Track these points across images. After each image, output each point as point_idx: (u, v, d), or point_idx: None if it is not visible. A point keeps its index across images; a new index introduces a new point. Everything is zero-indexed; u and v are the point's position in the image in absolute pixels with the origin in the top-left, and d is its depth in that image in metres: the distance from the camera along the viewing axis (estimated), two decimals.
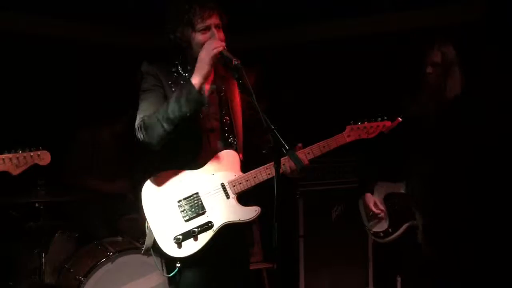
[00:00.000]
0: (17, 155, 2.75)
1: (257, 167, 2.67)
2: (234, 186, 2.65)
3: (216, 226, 2.59)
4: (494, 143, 3.62)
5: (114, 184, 4.69)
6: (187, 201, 2.61)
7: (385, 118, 2.85)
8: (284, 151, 2.33)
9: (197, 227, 2.57)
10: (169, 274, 2.62)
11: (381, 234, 3.67)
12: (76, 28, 5.10)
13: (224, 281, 2.70)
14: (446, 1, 4.64)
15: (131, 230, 4.16)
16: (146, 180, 2.63)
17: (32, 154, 2.77)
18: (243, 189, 2.65)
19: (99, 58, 5.08)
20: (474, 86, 3.90)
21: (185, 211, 2.60)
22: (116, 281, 3.78)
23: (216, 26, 2.61)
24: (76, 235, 4.28)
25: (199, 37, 2.59)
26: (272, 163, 2.56)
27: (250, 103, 2.61)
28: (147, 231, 2.61)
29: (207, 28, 2.58)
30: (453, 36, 3.68)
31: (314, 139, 2.76)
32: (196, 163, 2.65)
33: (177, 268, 2.57)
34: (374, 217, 3.68)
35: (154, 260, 2.65)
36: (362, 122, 2.82)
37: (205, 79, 2.50)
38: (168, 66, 2.68)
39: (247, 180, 2.65)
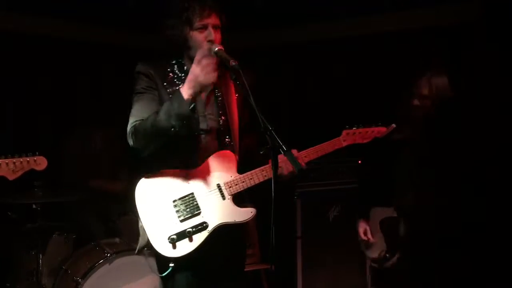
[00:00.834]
0: (14, 160, 2.77)
1: (253, 168, 2.67)
2: (230, 187, 2.64)
3: (211, 227, 2.59)
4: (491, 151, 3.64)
5: (116, 184, 4.69)
6: (183, 201, 2.60)
7: (380, 124, 2.91)
8: (282, 152, 2.33)
9: (192, 228, 2.56)
10: (162, 274, 2.60)
11: (379, 260, 3.64)
12: (74, 30, 5.10)
13: (219, 282, 2.69)
14: (445, 1, 4.64)
15: (129, 231, 4.15)
16: (141, 179, 2.62)
17: (28, 159, 2.79)
18: (239, 190, 2.65)
19: (94, 60, 5.08)
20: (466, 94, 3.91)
21: (180, 211, 2.59)
22: (113, 282, 3.78)
23: (214, 27, 2.60)
24: (74, 236, 4.28)
25: (196, 35, 2.59)
26: (269, 165, 2.60)
27: (247, 103, 2.61)
28: (140, 231, 2.60)
29: (204, 27, 2.58)
30: (448, 67, 3.59)
31: (311, 143, 2.78)
32: (192, 163, 2.64)
33: (170, 268, 2.55)
34: (368, 244, 3.68)
35: (147, 259, 2.67)
36: (358, 127, 2.86)
37: (196, 94, 2.47)
38: (164, 66, 2.67)
39: (243, 182, 2.65)
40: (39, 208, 3.97)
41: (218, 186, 2.65)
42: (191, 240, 2.56)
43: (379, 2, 4.79)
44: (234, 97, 2.74)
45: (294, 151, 2.64)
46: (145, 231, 2.57)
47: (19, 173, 2.80)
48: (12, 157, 2.79)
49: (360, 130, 2.86)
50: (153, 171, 2.62)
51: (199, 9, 2.56)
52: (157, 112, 2.50)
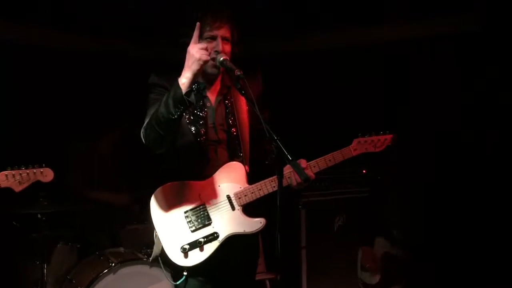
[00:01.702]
0: (20, 171, 2.75)
1: (263, 178, 2.68)
2: (239, 198, 2.65)
3: (221, 237, 2.61)
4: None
5: (117, 196, 4.69)
6: (194, 212, 2.63)
7: (393, 131, 2.84)
8: (287, 161, 2.34)
9: (203, 238, 2.59)
10: (176, 282, 2.64)
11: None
12: (76, 38, 5.12)
13: None
14: (446, 11, 4.67)
15: (133, 241, 4.15)
16: (155, 190, 2.65)
17: (35, 171, 2.76)
18: (248, 201, 2.66)
19: (100, 70, 5.10)
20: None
21: (191, 222, 2.62)
22: None
23: (224, 39, 2.60)
24: (78, 246, 4.28)
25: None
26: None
27: (256, 113, 2.61)
28: (155, 240, 2.64)
29: (213, 38, 2.59)
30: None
31: (321, 152, 2.75)
32: (203, 174, 2.66)
33: (183, 277, 2.59)
34: (368, 269, 3.68)
35: (162, 268, 2.67)
36: (370, 135, 2.81)
37: (193, 78, 2.45)
38: (175, 77, 2.68)
39: (252, 192, 2.66)
40: (44, 218, 3.96)
41: (228, 197, 2.66)
42: (202, 250, 2.58)
43: (385, 12, 4.81)
44: (244, 107, 2.75)
45: (303, 161, 2.64)
46: (159, 240, 2.60)
47: (25, 185, 2.77)
48: (19, 168, 2.77)
49: (372, 138, 2.79)
50: (165, 183, 2.65)
51: (211, 20, 2.57)
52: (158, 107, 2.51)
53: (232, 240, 2.62)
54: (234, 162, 2.69)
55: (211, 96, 2.73)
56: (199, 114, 2.67)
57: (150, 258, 2.73)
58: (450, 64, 4.72)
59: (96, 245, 4.23)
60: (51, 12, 4.66)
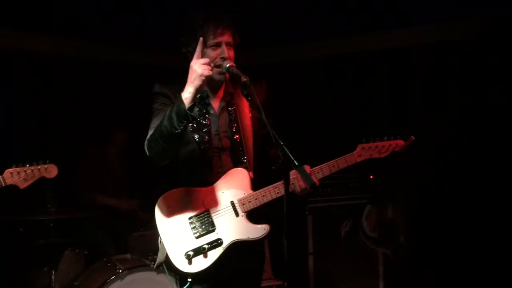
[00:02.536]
0: (25, 168, 2.78)
1: (268, 184, 2.68)
2: (243, 204, 2.65)
3: (225, 244, 2.61)
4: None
5: (122, 202, 4.71)
6: (198, 218, 2.63)
7: (398, 137, 2.80)
8: (293, 167, 2.33)
9: (207, 244, 2.59)
10: None
11: (365, 236, 4.07)
12: (87, 47, 5.17)
13: None
14: (448, 17, 4.66)
15: (140, 247, 4.16)
16: (159, 197, 2.66)
17: (39, 167, 2.79)
18: (252, 207, 2.66)
19: (108, 76, 5.14)
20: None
21: (195, 228, 2.62)
22: None
23: (228, 44, 2.62)
24: (86, 252, 4.29)
25: (209, 53, 2.60)
26: (281, 182, 2.60)
27: (260, 119, 2.62)
28: (160, 246, 2.65)
29: (218, 45, 2.60)
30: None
31: (324, 158, 2.74)
32: (207, 181, 2.67)
33: (188, 283, 2.59)
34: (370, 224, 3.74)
35: (167, 274, 2.67)
36: (374, 141, 2.78)
37: (196, 93, 2.46)
38: (178, 86, 2.69)
39: (256, 199, 2.66)
40: (51, 224, 3.99)
41: (232, 203, 2.66)
42: (206, 256, 2.58)
43: (390, 19, 4.81)
44: (248, 113, 2.75)
45: (307, 167, 2.63)
46: (164, 247, 2.61)
47: (30, 182, 2.81)
48: (23, 165, 2.79)
49: (377, 144, 2.76)
50: (170, 190, 2.66)
51: (213, 27, 2.58)
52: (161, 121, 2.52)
53: (237, 247, 2.62)
54: (238, 168, 2.69)
55: (214, 103, 2.74)
56: (202, 121, 2.68)
57: (155, 265, 2.72)
58: (455, 71, 4.71)
59: (103, 252, 4.25)
60: (64, 22, 4.74)
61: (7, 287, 4.26)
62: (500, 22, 4.46)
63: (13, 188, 2.80)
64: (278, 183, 2.65)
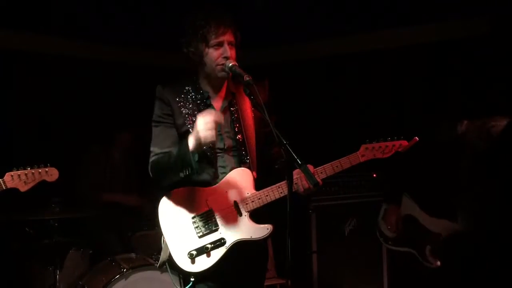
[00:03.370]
0: (26, 171, 2.78)
1: (272, 183, 2.68)
2: (246, 204, 2.66)
3: (228, 243, 2.61)
4: None
5: (129, 197, 4.73)
6: (201, 217, 2.64)
7: (402, 137, 2.80)
8: (297, 165, 2.34)
9: (210, 243, 2.60)
10: None
11: (384, 238, 3.87)
12: (89, 47, 5.18)
13: None
14: (451, 16, 4.65)
15: (144, 247, 4.17)
16: (163, 196, 2.68)
17: (40, 170, 2.79)
18: (255, 207, 2.66)
19: (109, 76, 5.16)
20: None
21: (199, 227, 2.63)
22: None
23: (229, 43, 2.63)
24: (90, 251, 4.31)
25: (212, 52, 2.61)
26: (284, 181, 2.59)
27: (263, 118, 2.63)
28: (163, 245, 2.66)
29: (220, 44, 2.61)
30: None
31: (328, 157, 2.74)
32: (210, 181, 2.67)
33: (191, 283, 2.60)
34: (388, 224, 3.73)
35: (169, 274, 2.69)
36: (378, 141, 2.78)
37: (198, 147, 2.50)
38: (180, 87, 2.71)
39: (259, 198, 2.66)
40: (56, 224, 4.01)
41: (235, 203, 2.66)
42: (209, 256, 2.59)
43: (392, 17, 4.80)
44: (250, 112, 2.76)
45: (310, 167, 2.63)
46: (167, 246, 2.62)
47: (31, 185, 2.81)
48: (24, 168, 2.79)
49: (380, 144, 2.76)
50: (173, 189, 2.67)
51: (215, 27, 2.59)
52: (170, 154, 2.58)
53: (240, 246, 2.62)
54: (241, 168, 2.69)
55: (217, 103, 2.74)
56: None
57: (158, 264, 2.73)
58: (457, 69, 4.69)
59: (108, 251, 4.26)
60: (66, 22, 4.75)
61: (12, 287, 4.27)
62: (501, 22, 4.45)
63: (16, 189, 2.81)
64: (281, 182, 2.65)
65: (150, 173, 2.69)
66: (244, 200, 2.66)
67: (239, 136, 2.71)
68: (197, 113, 2.59)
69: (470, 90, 4.28)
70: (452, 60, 4.73)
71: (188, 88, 2.71)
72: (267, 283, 4.50)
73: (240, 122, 2.72)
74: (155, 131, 2.71)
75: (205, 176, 2.67)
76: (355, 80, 5.11)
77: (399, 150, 2.78)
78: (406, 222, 3.75)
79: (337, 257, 4.58)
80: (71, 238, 4.25)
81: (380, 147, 2.76)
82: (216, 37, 2.59)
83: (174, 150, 2.59)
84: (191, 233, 2.62)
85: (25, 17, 4.59)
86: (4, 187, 2.78)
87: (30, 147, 4.66)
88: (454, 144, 3.58)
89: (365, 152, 2.75)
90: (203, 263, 2.58)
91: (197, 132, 2.46)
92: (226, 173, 2.68)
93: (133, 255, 4.11)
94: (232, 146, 2.71)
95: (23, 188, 2.79)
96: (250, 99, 2.57)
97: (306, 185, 2.59)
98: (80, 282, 3.99)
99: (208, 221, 2.63)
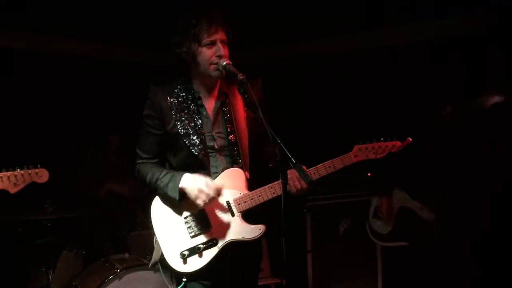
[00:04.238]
0: (15, 173, 2.69)
1: (264, 184, 2.67)
2: (239, 204, 2.65)
3: (220, 244, 2.61)
4: None
5: (126, 185, 4.71)
6: (193, 217, 2.63)
7: (394, 138, 2.79)
8: (291, 164, 2.33)
9: (202, 244, 2.60)
10: None
11: (377, 236, 3.90)
12: (78, 44, 5.16)
13: None
14: (447, 13, 4.64)
15: (138, 247, 4.15)
16: (155, 197, 2.68)
17: (30, 171, 2.70)
18: (248, 207, 2.65)
19: (102, 74, 5.14)
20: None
21: (191, 228, 2.62)
22: None
23: (222, 42, 2.61)
24: (84, 252, 4.29)
25: (205, 51, 2.59)
26: (277, 182, 2.59)
27: (255, 118, 2.61)
28: (155, 245, 2.65)
29: (213, 43, 2.59)
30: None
31: (321, 158, 2.73)
32: None
33: (183, 283, 2.59)
34: (381, 218, 3.72)
35: (161, 273, 2.68)
36: (371, 142, 2.77)
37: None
38: (171, 87, 2.69)
39: (252, 199, 2.65)
40: (49, 224, 3.98)
41: (228, 203, 2.65)
42: (201, 256, 2.59)
43: (390, 15, 4.79)
44: (242, 113, 2.74)
45: (303, 168, 2.62)
46: (159, 246, 2.62)
47: (21, 186, 2.70)
48: (14, 170, 2.70)
49: (373, 145, 2.75)
50: None
51: (207, 26, 2.57)
52: (157, 178, 2.64)
53: (233, 246, 2.61)
54: (234, 168, 2.68)
55: (209, 103, 2.72)
56: (196, 123, 2.66)
57: (150, 264, 2.72)
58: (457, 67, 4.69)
59: (101, 251, 4.25)
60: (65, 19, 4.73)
61: (5, 287, 4.25)
62: (499, 18, 4.44)
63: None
64: (274, 183, 2.64)
65: (136, 175, 2.74)
66: (236, 200, 2.65)
67: (231, 136, 2.69)
68: (188, 114, 2.59)
69: (468, 89, 4.27)
70: (449, 58, 4.73)
71: (180, 88, 2.69)
72: (262, 282, 4.50)
73: (233, 122, 2.70)
74: (141, 130, 2.73)
75: None
76: (348, 79, 5.09)
77: (392, 150, 2.77)
78: (401, 214, 3.75)
79: (332, 256, 4.57)
80: (65, 238, 4.22)
81: (373, 147, 2.75)
82: (209, 35, 2.57)
83: (157, 172, 2.65)
84: (183, 233, 2.61)
85: (23, 16, 4.56)
86: None
87: (19, 147, 4.62)
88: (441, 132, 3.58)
89: (358, 153, 2.74)
90: (195, 263, 2.58)
91: (194, 190, 2.52)
92: (218, 174, 2.66)
93: (126, 255, 4.09)
94: (224, 146, 2.70)
95: (12, 190, 2.71)
96: (243, 98, 2.56)
97: (299, 186, 2.59)
98: (74, 283, 3.97)
99: (200, 221, 2.62)
